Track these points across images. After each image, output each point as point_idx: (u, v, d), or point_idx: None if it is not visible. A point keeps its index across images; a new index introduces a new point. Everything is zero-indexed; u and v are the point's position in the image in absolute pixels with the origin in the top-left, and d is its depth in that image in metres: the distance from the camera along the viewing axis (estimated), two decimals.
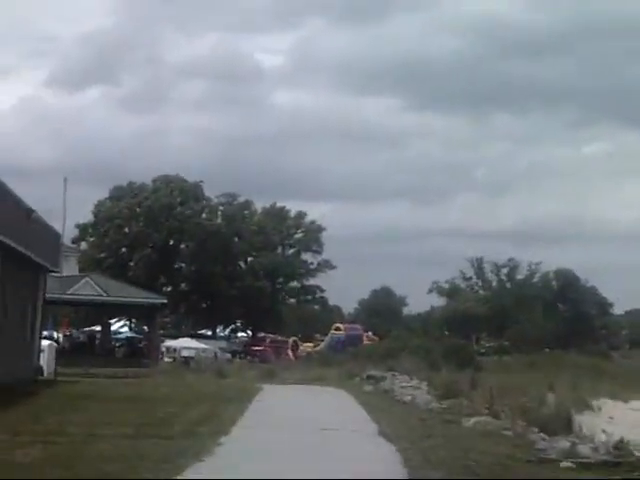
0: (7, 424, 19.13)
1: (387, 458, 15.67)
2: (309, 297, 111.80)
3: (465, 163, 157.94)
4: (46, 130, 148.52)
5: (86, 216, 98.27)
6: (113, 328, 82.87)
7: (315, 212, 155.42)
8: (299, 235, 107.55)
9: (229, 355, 77.64)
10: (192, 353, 70.56)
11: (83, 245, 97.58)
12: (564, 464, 15.76)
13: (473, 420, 22.42)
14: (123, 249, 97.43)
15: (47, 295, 42.44)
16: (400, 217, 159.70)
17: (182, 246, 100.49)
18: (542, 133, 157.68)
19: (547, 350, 77.96)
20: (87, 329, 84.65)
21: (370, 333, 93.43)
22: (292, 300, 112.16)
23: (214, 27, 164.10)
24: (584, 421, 24.48)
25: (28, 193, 34.52)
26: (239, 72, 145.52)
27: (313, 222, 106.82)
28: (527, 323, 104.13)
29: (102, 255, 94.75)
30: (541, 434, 20.16)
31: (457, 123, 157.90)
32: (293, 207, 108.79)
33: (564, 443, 18.08)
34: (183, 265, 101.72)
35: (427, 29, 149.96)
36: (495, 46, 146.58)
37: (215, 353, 73.15)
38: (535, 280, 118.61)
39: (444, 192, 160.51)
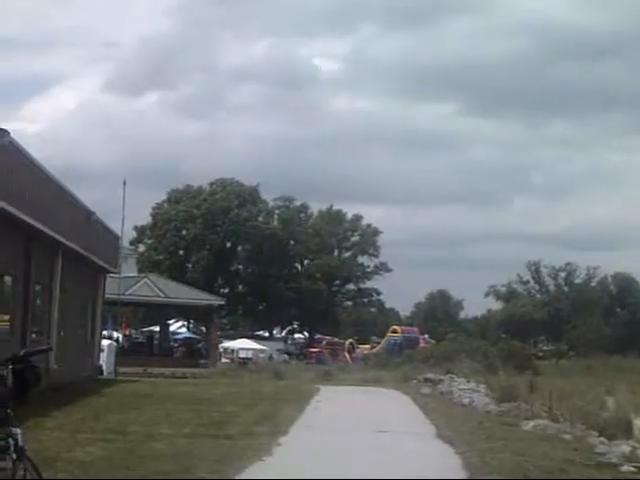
0: (68, 422, 19.35)
1: (446, 461, 15.60)
2: (365, 300, 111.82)
3: (521, 168, 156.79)
4: (104, 134, 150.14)
5: (144, 218, 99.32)
6: (171, 329, 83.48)
7: (372, 215, 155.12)
8: (355, 238, 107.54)
9: (286, 356, 77.86)
10: (250, 354, 70.86)
11: (141, 247, 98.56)
12: (625, 468, 15.59)
13: (532, 423, 22.26)
14: (181, 251, 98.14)
15: (106, 295, 42.88)
16: (457, 221, 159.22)
17: (239, 249, 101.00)
18: (598, 138, 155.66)
19: (606, 354, 77.09)
20: (146, 329, 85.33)
21: (427, 336, 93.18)
22: (348, 302, 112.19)
23: (269, 32, 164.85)
24: None
25: (88, 196, 35.01)
26: (295, 77, 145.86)
27: (369, 225, 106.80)
28: (585, 327, 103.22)
29: (160, 257, 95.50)
30: (600, 438, 19.96)
31: (513, 128, 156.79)
32: (350, 210, 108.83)
33: (624, 447, 17.89)
34: (240, 267, 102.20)
35: (482, 33, 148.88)
36: (550, 50, 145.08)
37: (272, 354, 73.35)
38: (593, 284, 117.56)
39: (500, 196, 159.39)
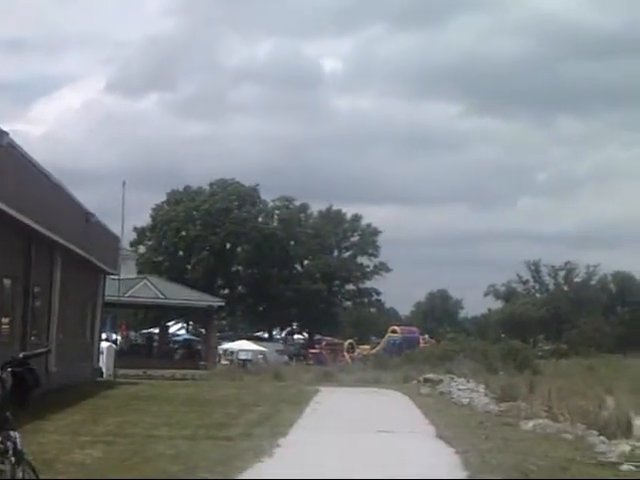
0: (68, 425, 19.34)
1: (446, 461, 15.58)
2: (365, 300, 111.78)
3: (526, 166, 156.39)
4: (107, 135, 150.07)
5: (144, 219, 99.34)
6: (171, 330, 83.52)
7: (372, 215, 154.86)
8: (355, 238, 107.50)
9: (286, 357, 77.79)
10: (249, 355, 70.81)
11: (141, 248, 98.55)
12: (624, 467, 15.57)
13: (532, 423, 22.21)
14: (180, 252, 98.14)
15: (106, 297, 42.85)
16: (458, 220, 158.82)
17: (238, 249, 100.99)
18: (604, 135, 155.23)
19: (606, 353, 77.06)
20: (145, 331, 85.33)
21: (427, 336, 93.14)
22: (348, 303, 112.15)
23: (274, 32, 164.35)
24: None
25: (88, 197, 34.97)
26: (298, 76, 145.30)
27: (369, 225, 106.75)
28: (585, 326, 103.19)
29: (160, 258, 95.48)
30: (601, 437, 19.93)
31: (519, 126, 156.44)
32: (349, 210, 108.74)
33: (624, 446, 17.87)
34: (240, 268, 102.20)
35: (487, 31, 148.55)
36: (557, 47, 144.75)
37: (272, 355, 73.27)
38: (593, 283, 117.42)
39: (504, 195, 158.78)
